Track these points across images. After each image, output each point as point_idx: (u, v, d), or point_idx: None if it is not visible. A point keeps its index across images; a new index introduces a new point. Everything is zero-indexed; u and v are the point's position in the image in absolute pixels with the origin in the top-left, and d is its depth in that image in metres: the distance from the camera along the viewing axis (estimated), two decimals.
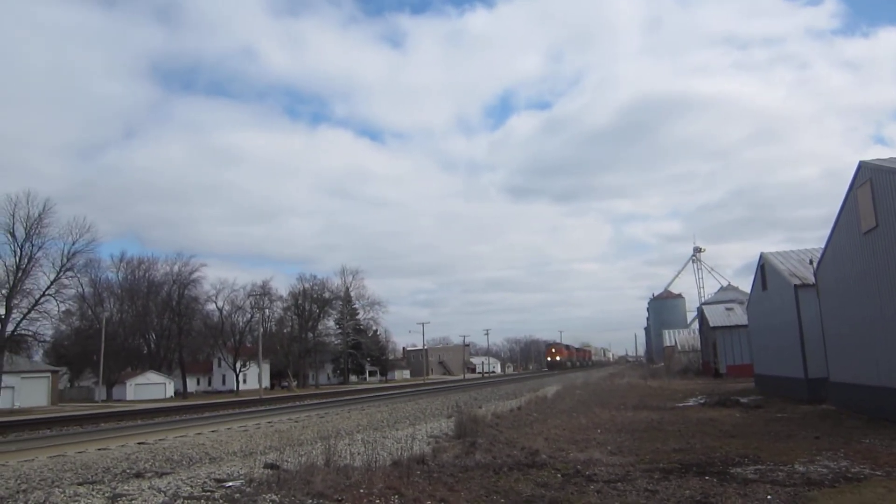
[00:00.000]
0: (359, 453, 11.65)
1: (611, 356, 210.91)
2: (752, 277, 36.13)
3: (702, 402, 27.46)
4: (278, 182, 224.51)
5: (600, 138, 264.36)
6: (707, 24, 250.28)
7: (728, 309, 58.02)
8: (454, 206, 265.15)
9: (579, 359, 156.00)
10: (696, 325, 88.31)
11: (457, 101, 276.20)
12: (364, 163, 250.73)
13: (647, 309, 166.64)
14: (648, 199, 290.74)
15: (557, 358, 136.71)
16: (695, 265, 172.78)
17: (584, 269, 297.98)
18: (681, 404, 26.81)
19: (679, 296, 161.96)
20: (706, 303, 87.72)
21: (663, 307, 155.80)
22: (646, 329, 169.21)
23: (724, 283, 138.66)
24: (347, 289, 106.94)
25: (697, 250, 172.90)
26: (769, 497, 8.92)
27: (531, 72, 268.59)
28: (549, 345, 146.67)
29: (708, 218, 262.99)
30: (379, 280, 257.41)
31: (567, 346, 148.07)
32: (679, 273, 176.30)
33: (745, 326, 44.54)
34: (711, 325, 56.21)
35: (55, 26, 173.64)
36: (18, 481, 9.28)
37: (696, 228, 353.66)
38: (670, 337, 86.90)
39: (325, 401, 27.99)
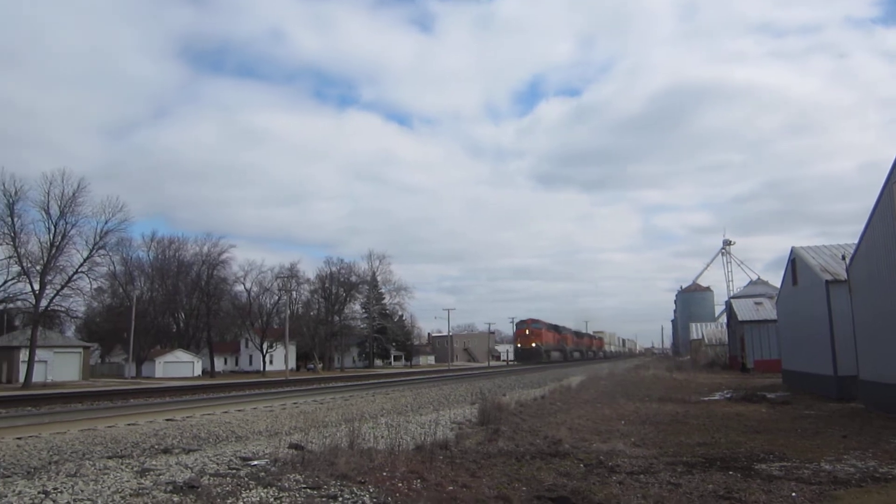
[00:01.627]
0: (382, 437, 11.73)
1: (637, 347, 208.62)
2: (782, 272, 35.68)
3: (728, 396, 27.22)
4: (306, 165, 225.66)
5: (631, 126, 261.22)
6: (743, 10, 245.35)
7: (757, 303, 57.34)
8: (482, 193, 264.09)
9: (580, 347, 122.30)
10: (723, 318, 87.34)
11: (485, 86, 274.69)
12: (392, 147, 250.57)
13: (675, 301, 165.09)
14: (679, 190, 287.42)
15: (534, 344, 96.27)
16: (724, 258, 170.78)
17: (613, 259, 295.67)
18: (706, 398, 26.61)
19: (707, 289, 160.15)
20: (735, 296, 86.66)
21: (691, 300, 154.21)
22: (673, 321, 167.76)
23: (754, 277, 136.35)
24: (374, 273, 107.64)
25: (727, 243, 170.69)
26: (794, 494, 8.84)
27: (561, 57, 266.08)
28: (523, 323, 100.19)
29: (739, 210, 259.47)
30: (405, 265, 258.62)
31: (558, 328, 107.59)
32: (708, 266, 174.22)
33: (773, 321, 44.00)
34: (740, 319, 55.59)
35: (91, 6, 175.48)
36: (51, 453, 9.50)
37: (727, 221, 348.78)
38: (697, 330, 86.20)
39: (349, 384, 28.20)
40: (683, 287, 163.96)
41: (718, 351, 67.51)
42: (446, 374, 40.10)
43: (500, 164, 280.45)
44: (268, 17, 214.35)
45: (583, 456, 11.55)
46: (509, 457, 11.21)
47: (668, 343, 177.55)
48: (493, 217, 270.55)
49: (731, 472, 10.28)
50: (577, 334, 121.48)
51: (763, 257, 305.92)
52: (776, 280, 65.37)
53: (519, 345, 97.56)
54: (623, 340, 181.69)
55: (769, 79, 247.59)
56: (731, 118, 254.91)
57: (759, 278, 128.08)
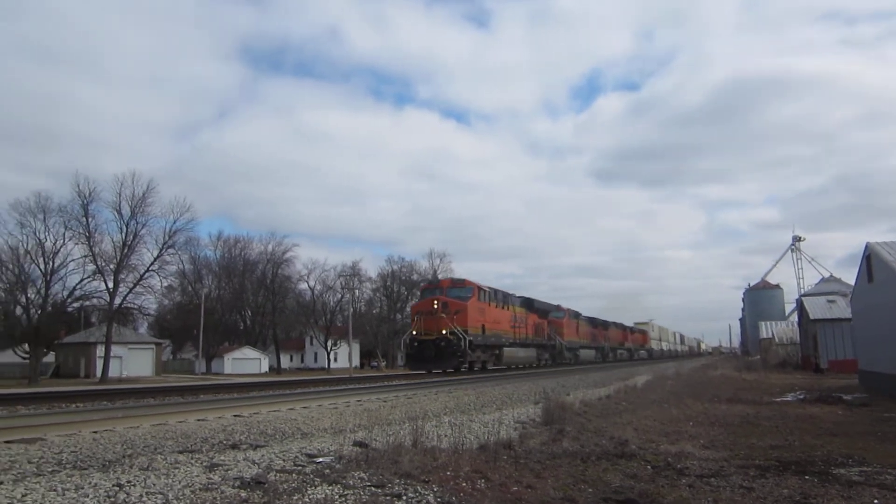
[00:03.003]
0: (445, 435, 11.70)
1: (703, 346, 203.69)
2: (855, 269, 34.31)
3: (801, 397, 26.33)
4: (365, 163, 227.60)
5: (692, 120, 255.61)
6: None
7: (830, 301, 55.32)
8: (540, 190, 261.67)
9: (627, 345, 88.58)
10: (794, 317, 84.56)
11: (542, 81, 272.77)
12: (450, 145, 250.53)
13: (743, 299, 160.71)
14: (744, 185, 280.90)
15: (446, 332, 35.58)
16: (794, 255, 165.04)
17: (676, 257, 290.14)
18: (778, 399, 25.79)
19: (776, 286, 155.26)
20: (806, 294, 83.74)
21: (760, 298, 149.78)
22: (741, 320, 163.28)
23: (826, 275, 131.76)
24: (435, 272, 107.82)
25: (797, 239, 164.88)
26: (876, 501, 8.45)
27: (619, 51, 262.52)
28: (431, 290, 40.00)
29: (808, 205, 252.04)
30: (466, 263, 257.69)
31: (594, 321, 72.57)
32: (777, 263, 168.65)
33: (848, 320, 42.39)
34: (812, 317, 53.73)
35: (153, 8, 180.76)
36: (124, 446, 9.76)
37: (796, 216, 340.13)
38: (767, 329, 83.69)
39: (412, 382, 28.33)
40: (751, 285, 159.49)
41: (790, 350, 65.41)
42: (507, 372, 39.92)
43: (558, 161, 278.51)
44: (325, 16, 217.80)
45: (650, 457, 11.30)
46: (574, 457, 11.04)
47: (736, 342, 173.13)
48: (553, 214, 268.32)
49: (806, 477, 9.90)
50: (623, 328, 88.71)
51: (835, 254, 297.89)
52: (849, 277, 63.00)
53: (415, 332, 37.45)
54: (684, 338, 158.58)
55: (840, 68, 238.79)
56: (798, 110, 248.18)
57: (831, 275, 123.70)
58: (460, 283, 39.70)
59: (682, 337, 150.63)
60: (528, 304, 51.96)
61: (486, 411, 17.03)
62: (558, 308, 61.30)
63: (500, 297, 43.62)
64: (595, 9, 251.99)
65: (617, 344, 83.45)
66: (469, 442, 11.47)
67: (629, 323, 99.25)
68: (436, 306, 36.84)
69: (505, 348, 42.70)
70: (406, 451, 9.68)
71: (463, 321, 36.29)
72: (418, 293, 51.16)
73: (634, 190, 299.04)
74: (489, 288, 41.61)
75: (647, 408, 20.17)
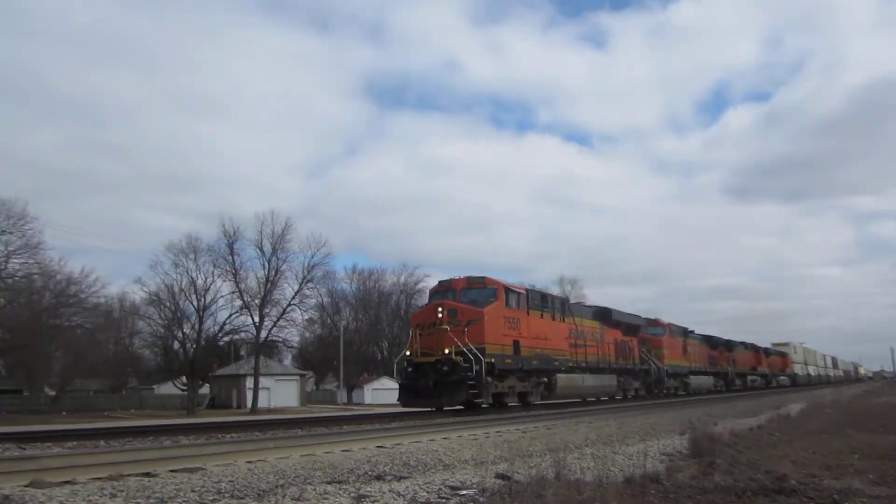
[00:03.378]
0: (588, 468, 11.41)
1: (862, 371, 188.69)
2: None
3: None
4: (490, 191, 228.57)
5: (831, 128, 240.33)
6: None
7: None
8: (671, 210, 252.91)
9: (761, 370, 72.80)
10: None
11: (666, 98, 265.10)
12: (574, 168, 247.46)
13: None
14: None
15: (448, 351, 25.26)
16: None
17: (824, 274, 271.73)
18: None
19: None
20: None
21: None
22: None
23: None
24: (567, 298, 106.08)
25: None
26: None
27: (746, 61, 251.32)
28: (442, 292, 28.45)
29: None
30: (597, 289, 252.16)
31: (711, 340, 59.43)
32: None
33: None
34: None
35: (279, 52, 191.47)
36: (276, 476, 10.14)
37: None
38: None
39: (550, 412, 27.90)
40: None
41: None
42: (647, 401, 38.51)
43: (688, 179, 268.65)
44: (443, 49, 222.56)
45: (812, 494, 10.50)
46: (727, 492, 10.44)
47: None
48: (686, 235, 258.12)
49: None
50: (755, 350, 72.35)
51: None
52: None
53: (409, 352, 26.83)
54: (837, 361, 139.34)
55: None
56: None
57: None
58: (479, 283, 28.03)
59: (834, 360, 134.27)
60: (603, 315, 40.41)
61: (629, 442, 16.49)
62: (655, 323, 48.46)
63: (550, 304, 32.12)
64: (716, 19, 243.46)
65: (747, 369, 68.45)
66: (614, 475, 11.12)
67: (765, 344, 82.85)
68: (440, 315, 26.18)
69: (558, 375, 31.44)
70: (549, 484, 9.50)
71: (478, 336, 25.52)
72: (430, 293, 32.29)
73: (773, 205, 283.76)
74: (526, 289, 30.80)
75: (804, 439, 18.86)
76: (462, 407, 26.88)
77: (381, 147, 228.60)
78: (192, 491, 8.92)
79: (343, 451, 13.58)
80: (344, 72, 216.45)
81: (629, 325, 43.28)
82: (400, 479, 10.57)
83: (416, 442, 15.54)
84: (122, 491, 8.54)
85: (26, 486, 8.62)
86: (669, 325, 49.39)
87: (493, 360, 25.88)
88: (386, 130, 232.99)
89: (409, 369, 26.39)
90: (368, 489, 9.43)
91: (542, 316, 30.61)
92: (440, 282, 29.57)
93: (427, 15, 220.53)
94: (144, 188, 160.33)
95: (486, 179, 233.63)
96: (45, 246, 57.52)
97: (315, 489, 9.33)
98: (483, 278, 28.33)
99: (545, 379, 30.70)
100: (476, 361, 24.87)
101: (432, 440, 15.99)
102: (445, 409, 26.68)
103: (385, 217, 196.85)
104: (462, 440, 16.16)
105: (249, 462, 11.51)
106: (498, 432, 18.20)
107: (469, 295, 27.49)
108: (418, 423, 21.50)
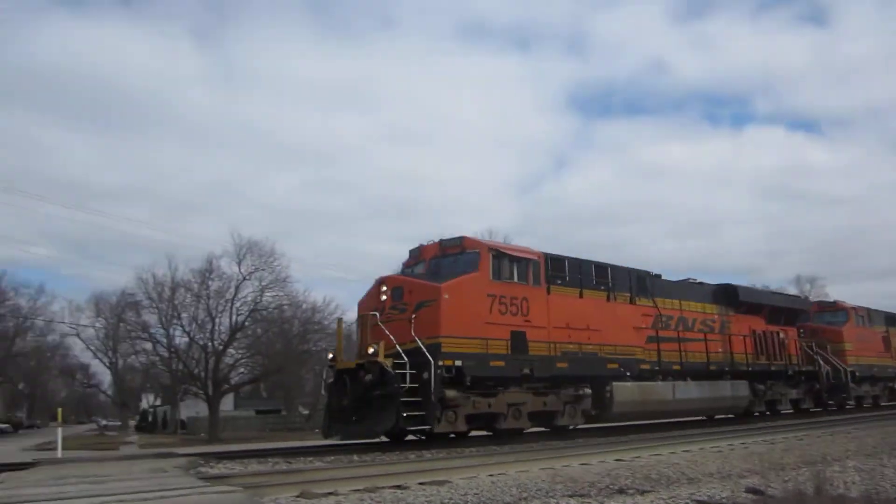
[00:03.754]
0: (853, 482, 10.44)
1: None
2: None
3: None
4: (710, 191, 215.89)
5: None
6: None
7: None
8: None
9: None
10: None
11: None
12: (802, 158, 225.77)
13: None
14: None
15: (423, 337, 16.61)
16: None
17: None
18: None
19: None
20: None
21: None
22: None
23: None
24: (807, 298, 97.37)
25: None
26: None
27: None
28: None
29: None
30: (841, 286, 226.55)
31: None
32: None
33: None
34: None
35: (480, 74, 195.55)
36: (519, 490, 10.37)
37: None
38: None
39: (801, 421, 25.82)
40: None
41: None
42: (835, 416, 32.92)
43: None
44: (647, 51, 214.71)
45: None
46: None
47: None
48: None
49: None
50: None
51: None
52: None
53: (331, 355, 19.00)
54: None
55: None
56: None
57: None
58: (454, 247, 19.08)
59: None
60: (727, 296, 26.95)
61: None
62: (830, 306, 35.31)
63: (603, 279, 21.71)
64: None
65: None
66: (885, 490, 10.07)
67: None
68: (383, 298, 18.15)
69: (616, 384, 21.01)
70: (809, 500, 8.83)
71: (431, 325, 17.10)
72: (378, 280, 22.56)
73: None
74: (545, 255, 20.08)
75: None
76: (386, 439, 18.66)
77: (592, 157, 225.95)
78: (442, 503, 9.39)
79: (581, 464, 13.55)
80: (548, 88, 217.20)
81: (778, 310, 29.76)
82: (643, 492, 10.34)
83: (657, 455, 15.13)
84: (379, 502, 9.20)
85: (297, 496, 9.59)
86: (856, 308, 34.70)
87: (458, 361, 17.24)
88: (595, 140, 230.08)
89: (329, 380, 18.76)
90: (611, 503, 9.35)
91: (581, 295, 20.86)
92: (410, 251, 20.65)
93: (627, 19, 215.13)
94: (369, 218, 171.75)
95: (705, 179, 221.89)
96: (291, 279, 63.08)
97: (557, 503, 9.43)
98: (461, 239, 19.30)
99: (587, 390, 20.73)
100: (424, 366, 16.57)
101: (673, 452, 15.48)
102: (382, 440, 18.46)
103: (602, 227, 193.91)
104: (705, 452, 15.48)
105: (491, 475, 11.87)
106: (743, 444, 17.20)
107: (442, 265, 18.99)
108: (656, 434, 20.86)
